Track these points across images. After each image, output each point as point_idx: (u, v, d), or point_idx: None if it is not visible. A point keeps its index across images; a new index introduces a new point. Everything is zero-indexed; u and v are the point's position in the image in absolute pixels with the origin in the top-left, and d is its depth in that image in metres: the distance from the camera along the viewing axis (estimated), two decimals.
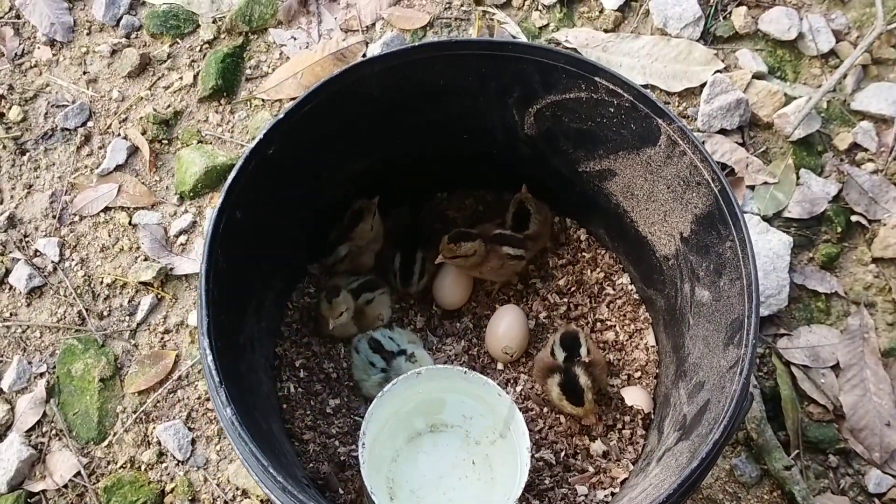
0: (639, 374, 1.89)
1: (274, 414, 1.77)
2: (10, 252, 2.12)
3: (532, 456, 1.64)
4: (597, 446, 1.78)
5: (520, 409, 1.71)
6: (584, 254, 2.01)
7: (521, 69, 1.62)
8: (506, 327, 1.89)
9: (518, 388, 1.88)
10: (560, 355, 1.75)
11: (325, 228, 1.91)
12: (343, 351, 1.92)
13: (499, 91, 1.69)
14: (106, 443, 1.92)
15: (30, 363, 2.00)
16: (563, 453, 1.76)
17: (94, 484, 1.88)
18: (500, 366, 1.92)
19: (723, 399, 1.36)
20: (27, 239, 2.13)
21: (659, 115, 1.55)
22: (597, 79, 1.56)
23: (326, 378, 1.86)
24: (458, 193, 2.06)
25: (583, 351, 1.74)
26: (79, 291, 2.06)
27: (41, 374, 1.99)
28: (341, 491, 1.72)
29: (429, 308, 1.98)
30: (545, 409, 1.85)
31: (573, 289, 1.97)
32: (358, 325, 1.92)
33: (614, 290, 1.98)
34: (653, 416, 1.79)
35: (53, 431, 1.95)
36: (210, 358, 1.38)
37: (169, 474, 1.90)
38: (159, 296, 2.07)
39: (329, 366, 1.89)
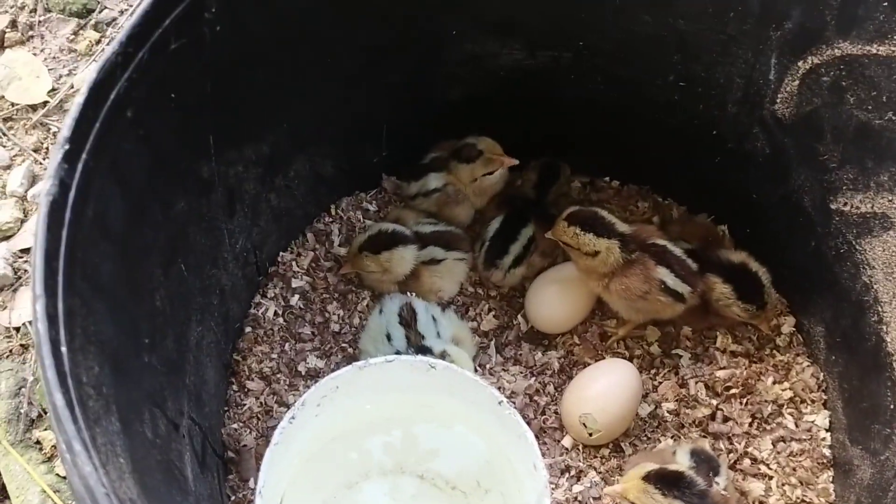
0: None
1: (224, 331, 1.21)
2: None
3: None
4: None
5: None
6: (776, 352, 1.27)
7: None
8: (602, 390, 1.20)
9: (577, 488, 1.18)
10: (685, 462, 1.10)
11: (426, 139, 1.36)
12: (365, 303, 1.29)
13: (766, 7, 1.01)
14: None
15: None
16: None
17: None
18: (566, 440, 1.22)
19: None
20: None
21: None
22: None
23: (324, 324, 1.31)
24: (628, 188, 1.41)
25: (721, 479, 1.11)
26: None
27: None
28: (252, 484, 1.16)
29: (513, 314, 1.31)
30: None
31: (734, 392, 1.24)
32: (402, 284, 1.28)
33: (797, 426, 1.22)
34: None
35: None
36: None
37: None
38: None
39: (335, 311, 1.31)
